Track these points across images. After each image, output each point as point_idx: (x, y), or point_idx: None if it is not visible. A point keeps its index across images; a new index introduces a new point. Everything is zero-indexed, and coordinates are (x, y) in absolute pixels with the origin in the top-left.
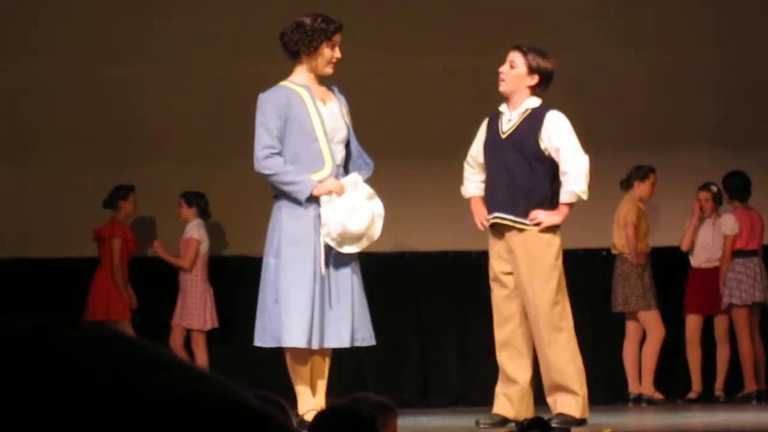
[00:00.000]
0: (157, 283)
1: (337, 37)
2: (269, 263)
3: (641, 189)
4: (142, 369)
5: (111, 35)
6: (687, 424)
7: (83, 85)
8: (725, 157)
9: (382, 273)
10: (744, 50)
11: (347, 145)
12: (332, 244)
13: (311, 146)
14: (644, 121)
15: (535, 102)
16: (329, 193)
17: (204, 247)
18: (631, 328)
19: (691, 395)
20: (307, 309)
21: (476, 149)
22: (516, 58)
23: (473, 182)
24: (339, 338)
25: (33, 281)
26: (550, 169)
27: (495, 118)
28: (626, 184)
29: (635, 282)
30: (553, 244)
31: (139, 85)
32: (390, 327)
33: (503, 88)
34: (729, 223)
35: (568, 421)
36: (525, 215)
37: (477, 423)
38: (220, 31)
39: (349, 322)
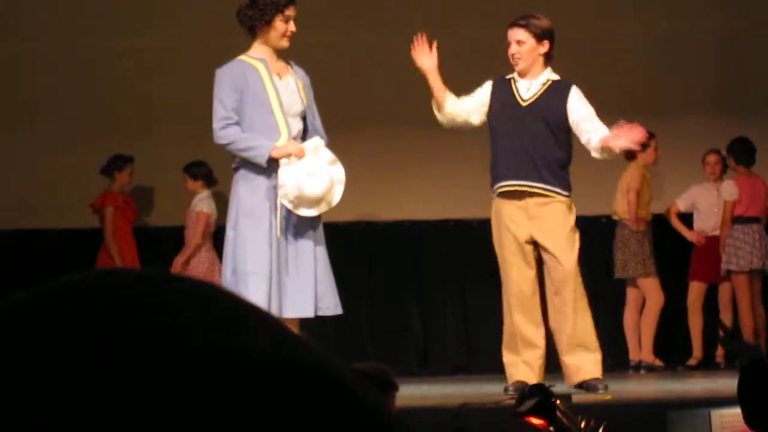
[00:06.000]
0: (158, 254)
1: (290, 11)
2: (228, 235)
3: (645, 156)
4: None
5: (112, 7)
6: (687, 391)
7: (84, 57)
8: (727, 124)
9: (383, 242)
10: (744, 16)
11: (305, 119)
12: (289, 206)
13: (267, 117)
14: (645, 89)
15: (554, 75)
16: (288, 155)
17: (212, 219)
18: (631, 295)
19: (692, 362)
20: (265, 279)
21: (471, 103)
22: (520, 35)
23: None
24: (300, 308)
25: (36, 252)
26: (569, 139)
27: (505, 84)
28: (629, 154)
29: (635, 248)
30: (573, 212)
31: (138, 57)
32: (391, 296)
33: (521, 66)
34: (728, 189)
35: (597, 386)
36: (552, 183)
37: (506, 390)
38: (219, 2)
39: (311, 292)
